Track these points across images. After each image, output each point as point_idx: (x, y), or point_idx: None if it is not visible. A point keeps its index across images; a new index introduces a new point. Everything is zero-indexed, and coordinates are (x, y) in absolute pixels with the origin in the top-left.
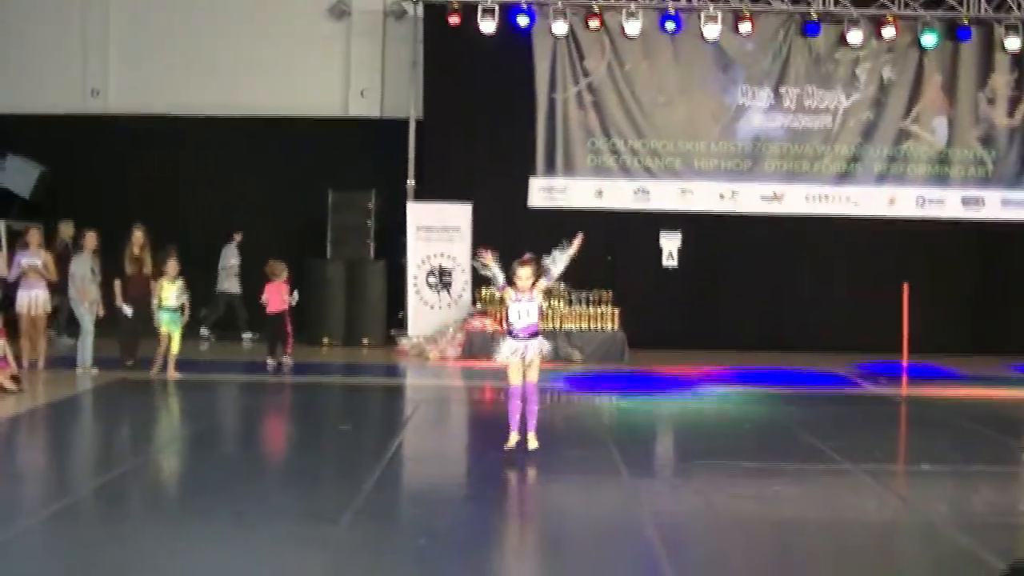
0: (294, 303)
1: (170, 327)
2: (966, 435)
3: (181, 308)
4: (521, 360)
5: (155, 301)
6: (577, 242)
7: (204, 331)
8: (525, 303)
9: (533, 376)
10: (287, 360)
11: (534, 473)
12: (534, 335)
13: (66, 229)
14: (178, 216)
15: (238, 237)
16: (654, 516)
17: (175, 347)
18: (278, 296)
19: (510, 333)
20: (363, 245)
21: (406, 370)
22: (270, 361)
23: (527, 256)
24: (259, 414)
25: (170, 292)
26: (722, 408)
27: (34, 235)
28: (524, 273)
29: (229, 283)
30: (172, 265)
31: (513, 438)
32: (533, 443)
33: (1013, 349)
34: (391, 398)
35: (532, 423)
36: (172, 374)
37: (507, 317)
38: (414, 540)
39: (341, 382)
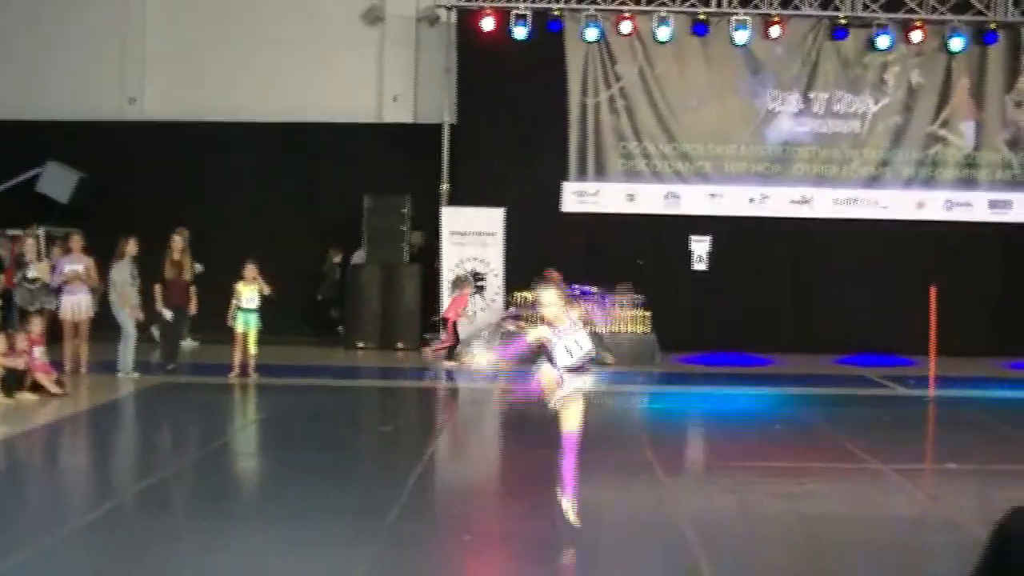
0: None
1: (246, 327)
2: (993, 435)
3: (259, 310)
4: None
5: (233, 303)
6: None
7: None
8: (571, 333)
9: (571, 425)
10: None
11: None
12: (580, 372)
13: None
14: (215, 221)
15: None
16: (689, 514)
17: (252, 348)
18: (459, 306)
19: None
20: (398, 249)
21: (441, 373)
22: (449, 363)
23: (549, 273)
24: (299, 416)
25: (247, 294)
26: (753, 409)
27: (76, 241)
28: (549, 298)
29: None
30: (250, 268)
31: (570, 507)
32: (570, 510)
33: None
34: (428, 400)
35: (569, 484)
36: (252, 376)
37: (553, 359)
38: (458, 536)
39: (378, 385)
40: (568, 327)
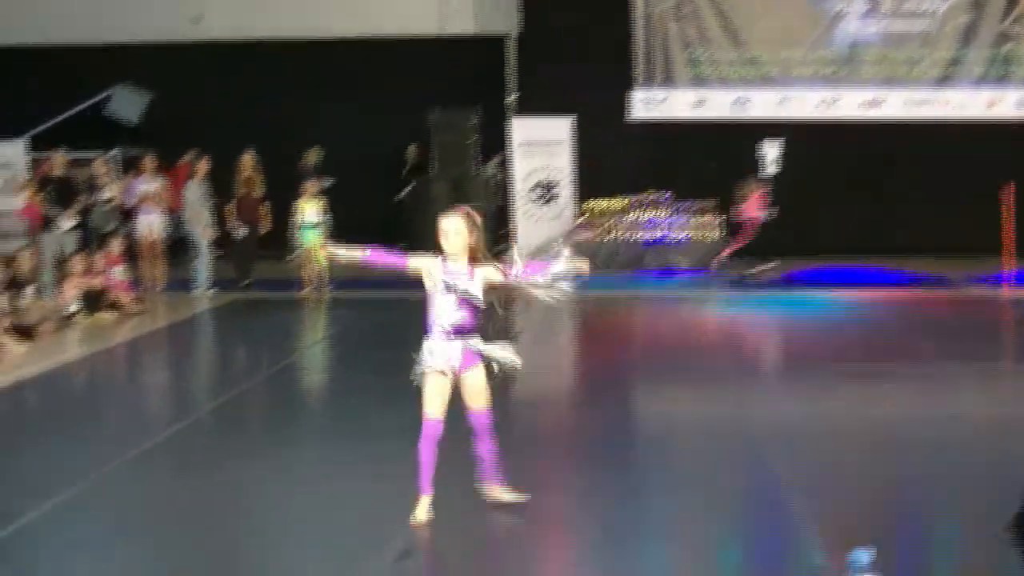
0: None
1: (310, 243)
2: None
3: (319, 225)
4: (450, 374)
5: (295, 219)
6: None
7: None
8: (458, 281)
9: (477, 401)
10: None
11: (643, 377)
12: (466, 333)
13: (311, 155)
14: (283, 139)
15: None
16: (762, 417)
17: (322, 262)
18: (754, 208)
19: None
20: (467, 162)
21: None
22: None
23: (462, 208)
24: (371, 331)
25: (308, 210)
26: (828, 312)
27: (148, 162)
28: (450, 226)
29: None
30: (311, 185)
31: (424, 505)
32: (504, 494)
33: None
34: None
35: (493, 470)
36: (324, 291)
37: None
38: (527, 444)
39: None
40: (461, 274)
